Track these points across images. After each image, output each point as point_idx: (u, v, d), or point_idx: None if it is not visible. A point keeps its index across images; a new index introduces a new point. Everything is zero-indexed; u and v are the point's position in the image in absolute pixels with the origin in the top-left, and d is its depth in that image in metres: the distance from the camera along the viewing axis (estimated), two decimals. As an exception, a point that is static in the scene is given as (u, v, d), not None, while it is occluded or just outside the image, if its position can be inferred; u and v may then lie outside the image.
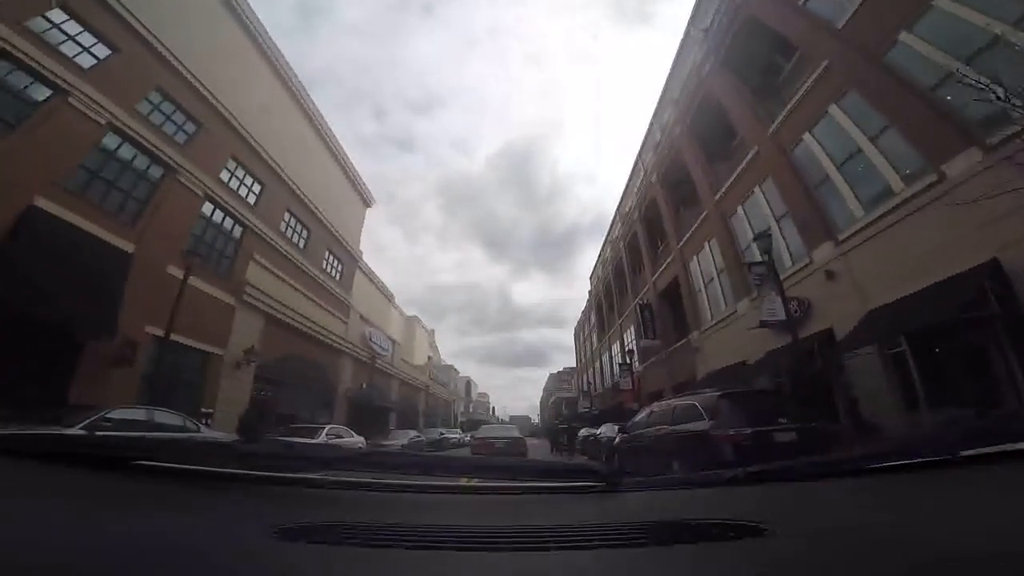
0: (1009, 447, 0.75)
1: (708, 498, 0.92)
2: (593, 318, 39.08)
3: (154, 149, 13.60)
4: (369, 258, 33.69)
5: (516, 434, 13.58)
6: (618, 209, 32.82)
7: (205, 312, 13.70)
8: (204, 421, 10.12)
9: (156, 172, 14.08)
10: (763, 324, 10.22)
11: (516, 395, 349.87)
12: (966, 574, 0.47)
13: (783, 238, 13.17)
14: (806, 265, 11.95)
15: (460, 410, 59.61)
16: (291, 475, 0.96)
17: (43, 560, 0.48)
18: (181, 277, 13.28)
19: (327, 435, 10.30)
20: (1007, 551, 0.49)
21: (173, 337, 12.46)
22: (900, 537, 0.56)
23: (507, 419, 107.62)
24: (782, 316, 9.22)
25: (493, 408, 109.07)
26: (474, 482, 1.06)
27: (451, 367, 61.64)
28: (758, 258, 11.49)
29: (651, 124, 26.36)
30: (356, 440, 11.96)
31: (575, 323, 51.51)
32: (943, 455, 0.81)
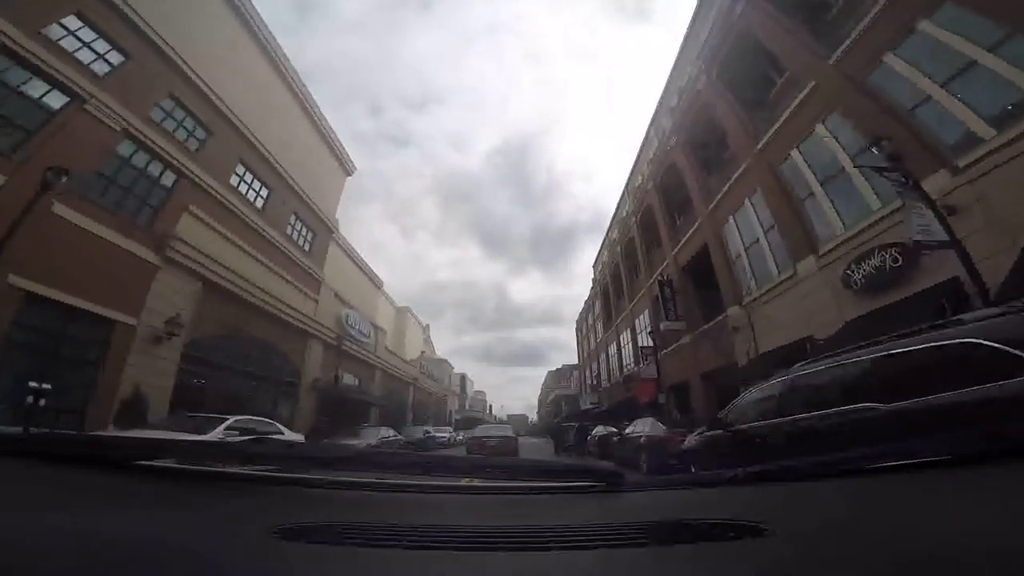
0: (1009, 447, 0.75)
1: (708, 498, 0.90)
2: (598, 307, 35.99)
3: (55, 74, 10.81)
4: (365, 255, 30.80)
5: (509, 433, 14.06)
6: (627, 186, 29.85)
7: (109, 267, 10.54)
8: (33, 399, 6.90)
9: (56, 100, 11.21)
10: (918, 245, 7.17)
11: (513, 394, 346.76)
12: (966, 574, 0.46)
13: (862, 176, 10.15)
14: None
15: (455, 407, 56.24)
16: (291, 475, 0.96)
17: (44, 560, 0.47)
18: (75, 222, 10.22)
19: (227, 430, 7.11)
20: (1007, 551, 0.48)
21: (52, 295, 9.34)
22: (900, 537, 0.55)
23: (504, 418, 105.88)
24: (942, 235, 6.17)
25: (490, 406, 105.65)
26: (474, 482, 1.04)
27: (445, 361, 57.53)
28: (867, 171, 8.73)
29: (666, 87, 23.50)
30: (290, 437, 8.80)
31: (573, 321, 48.69)
32: (943, 455, 0.79)
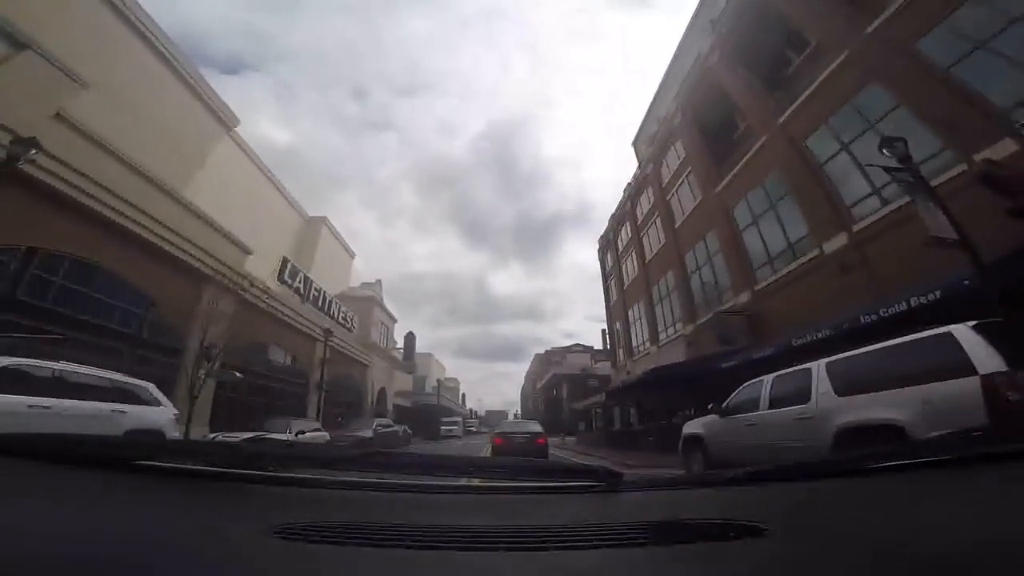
0: (1009, 447, 0.74)
1: (708, 498, 0.89)
2: (679, 156, 17.07)
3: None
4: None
5: (538, 429, 11.56)
6: None
7: None
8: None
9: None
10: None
11: (491, 390, 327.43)
12: (966, 574, 0.46)
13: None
14: None
15: (393, 389, 32.04)
16: (291, 475, 0.95)
17: (43, 560, 0.47)
18: None
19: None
20: (1006, 551, 0.47)
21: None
22: (900, 537, 0.55)
23: (483, 414, 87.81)
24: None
25: (463, 395, 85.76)
26: (474, 482, 1.02)
27: (372, 299, 31.53)
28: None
29: None
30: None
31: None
32: (943, 455, 0.79)
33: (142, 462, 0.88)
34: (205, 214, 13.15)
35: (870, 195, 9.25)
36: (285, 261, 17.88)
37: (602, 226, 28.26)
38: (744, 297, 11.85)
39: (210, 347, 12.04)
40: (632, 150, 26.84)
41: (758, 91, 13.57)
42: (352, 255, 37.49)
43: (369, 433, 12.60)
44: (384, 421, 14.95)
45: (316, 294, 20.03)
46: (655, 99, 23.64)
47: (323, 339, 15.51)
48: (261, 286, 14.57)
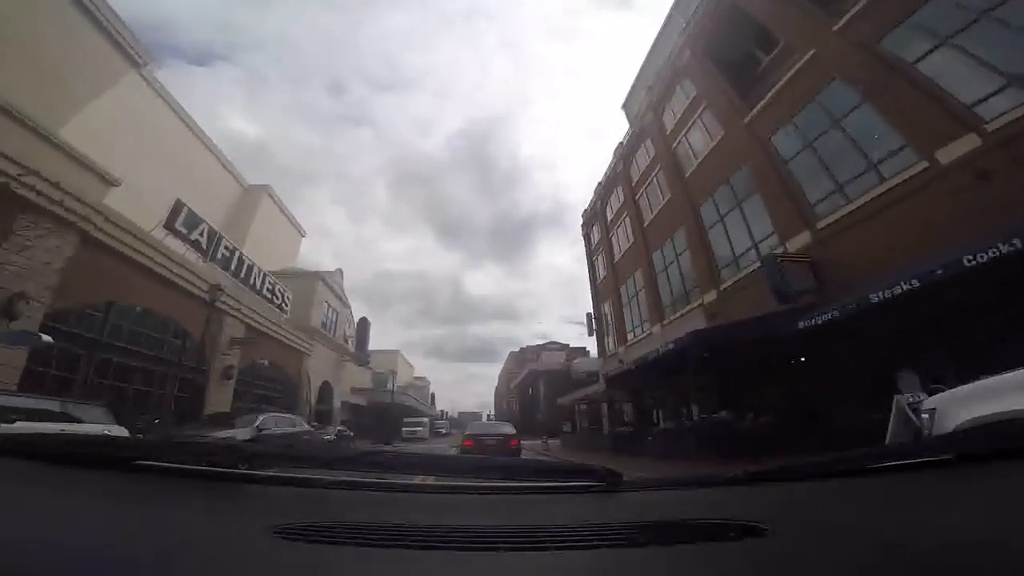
0: (1009, 447, 0.74)
1: (708, 498, 0.89)
2: (693, 89, 13.95)
3: None
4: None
5: (511, 431, 10.98)
6: None
7: None
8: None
9: None
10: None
11: (465, 392, 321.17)
12: (966, 574, 0.46)
13: None
14: None
15: (346, 385, 27.66)
16: (291, 475, 0.95)
17: (44, 560, 0.47)
18: None
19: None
20: (1006, 551, 0.47)
21: None
22: (900, 537, 0.55)
23: (456, 415, 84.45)
24: None
25: (433, 395, 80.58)
26: (473, 482, 1.02)
27: (316, 276, 26.46)
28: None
29: None
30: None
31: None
32: (943, 455, 0.78)
33: (142, 462, 0.87)
34: (21, 111, 8.85)
35: (1007, 87, 6.32)
36: (179, 204, 13.50)
37: (578, 229, 25.23)
38: (802, 239, 8.74)
39: (14, 299, 7.89)
40: (619, 134, 23.98)
41: (797, 1, 10.68)
42: (302, 233, 32.82)
43: (248, 433, 8.18)
44: (285, 417, 10.57)
45: (226, 253, 15.63)
46: (651, 51, 20.76)
47: (210, 300, 11.08)
48: (128, 227, 10.36)
